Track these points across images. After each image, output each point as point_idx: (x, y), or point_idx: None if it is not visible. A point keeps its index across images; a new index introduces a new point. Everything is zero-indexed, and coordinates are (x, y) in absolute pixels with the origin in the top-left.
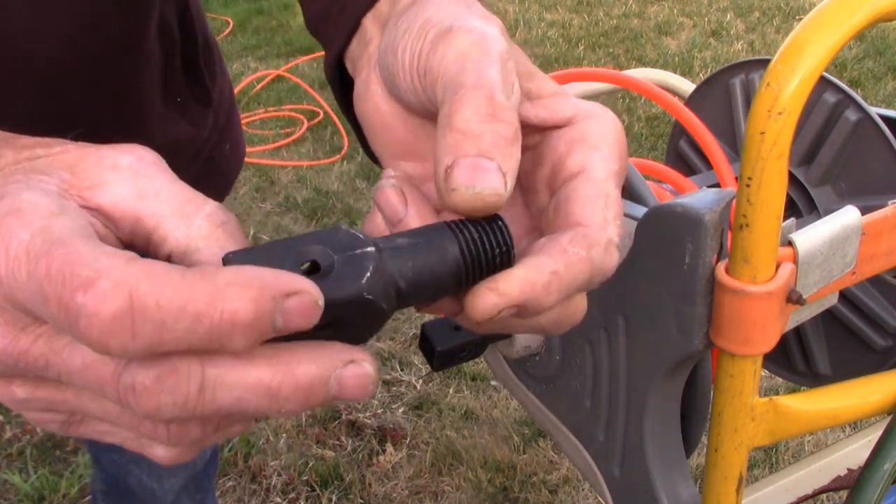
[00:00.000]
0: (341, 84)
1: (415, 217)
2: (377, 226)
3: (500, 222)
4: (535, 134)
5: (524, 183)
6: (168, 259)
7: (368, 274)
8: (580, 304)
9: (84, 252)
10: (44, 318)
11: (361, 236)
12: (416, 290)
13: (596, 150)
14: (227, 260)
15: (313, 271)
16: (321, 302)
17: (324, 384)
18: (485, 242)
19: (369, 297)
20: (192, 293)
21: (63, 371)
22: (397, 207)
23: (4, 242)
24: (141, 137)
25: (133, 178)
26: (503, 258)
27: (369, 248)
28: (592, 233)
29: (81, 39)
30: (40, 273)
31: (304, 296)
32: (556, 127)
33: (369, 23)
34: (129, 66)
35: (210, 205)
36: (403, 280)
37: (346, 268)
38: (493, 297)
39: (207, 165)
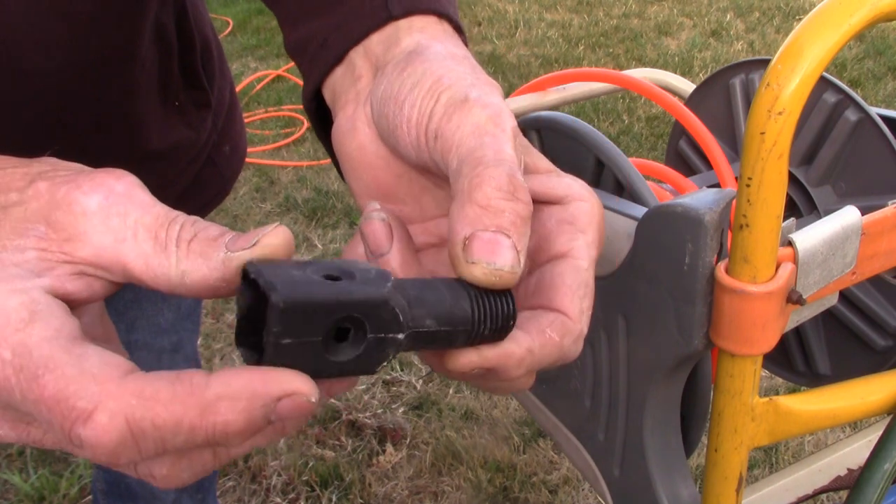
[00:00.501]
0: (318, 109)
1: (397, 255)
2: (357, 255)
3: (509, 297)
4: None
5: None
6: (167, 288)
7: (390, 284)
8: (530, 380)
9: (72, 377)
10: (24, 410)
11: (381, 278)
12: (429, 330)
13: (583, 235)
14: (247, 272)
15: (334, 279)
16: (315, 398)
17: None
18: (494, 310)
19: (391, 304)
20: (185, 410)
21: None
22: (383, 241)
23: None
24: (140, 141)
25: (105, 221)
26: (503, 329)
27: (389, 282)
28: (570, 323)
29: (76, 44)
30: (34, 398)
31: (296, 398)
32: (548, 203)
33: (359, 58)
34: (124, 70)
35: (178, 222)
36: (421, 318)
37: (368, 281)
38: (474, 356)
39: (206, 167)
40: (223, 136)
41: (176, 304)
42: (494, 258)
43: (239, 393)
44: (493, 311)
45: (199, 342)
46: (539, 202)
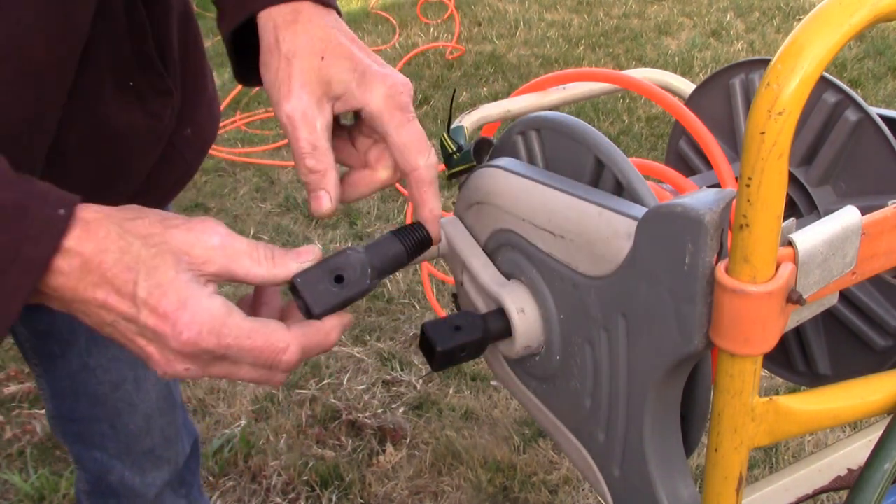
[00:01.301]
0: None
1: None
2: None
3: (421, 227)
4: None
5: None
6: (259, 284)
7: (368, 281)
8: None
9: (269, 332)
10: (237, 361)
11: (360, 251)
12: (386, 269)
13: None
14: (293, 282)
15: (340, 281)
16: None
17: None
18: (415, 237)
19: (370, 287)
20: (317, 339)
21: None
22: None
23: (219, 336)
24: (95, 119)
25: (223, 251)
26: (425, 242)
27: (362, 255)
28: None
29: (21, 25)
30: (248, 349)
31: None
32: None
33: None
34: (69, 50)
35: (260, 247)
36: (381, 266)
37: (359, 275)
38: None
39: (168, 149)
40: (183, 118)
41: None
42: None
43: (331, 330)
44: (415, 237)
45: None
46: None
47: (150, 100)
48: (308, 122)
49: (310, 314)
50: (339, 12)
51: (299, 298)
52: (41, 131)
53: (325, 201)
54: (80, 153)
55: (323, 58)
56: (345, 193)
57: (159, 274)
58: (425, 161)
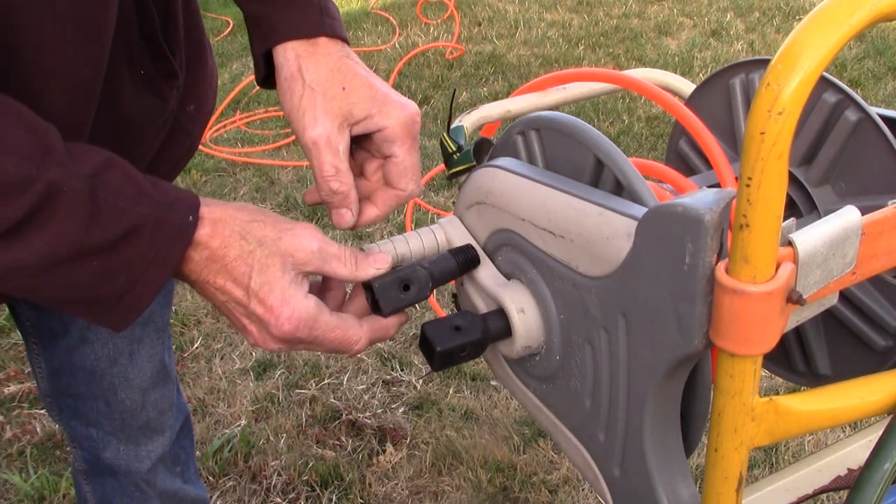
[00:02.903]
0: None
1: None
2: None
3: (471, 248)
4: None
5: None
6: (346, 280)
7: (427, 292)
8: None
9: (346, 327)
10: (319, 345)
11: (426, 266)
12: (441, 281)
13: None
14: (371, 285)
15: (407, 289)
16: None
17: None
18: (466, 256)
19: (427, 296)
20: (385, 335)
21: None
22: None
23: (311, 329)
24: (115, 111)
25: (320, 253)
26: (474, 261)
27: (426, 270)
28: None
29: (64, 13)
30: (329, 339)
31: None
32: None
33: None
34: (101, 38)
35: (346, 251)
36: (438, 279)
37: (422, 286)
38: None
39: (173, 126)
40: (186, 96)
41: None
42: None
43: (392, 325)
44: (467, 259)
45: (199, 341)
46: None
47: (158, 84)
48: (331, 146)
49: (378, 311)
50: (347, 42)
51: (373, 298)
52: (79, 136)
53: (348, 217)
54: (97, 142)
55: (344, 88)
56: (371, 214)
57: (269, 272)
58: (413, 186)
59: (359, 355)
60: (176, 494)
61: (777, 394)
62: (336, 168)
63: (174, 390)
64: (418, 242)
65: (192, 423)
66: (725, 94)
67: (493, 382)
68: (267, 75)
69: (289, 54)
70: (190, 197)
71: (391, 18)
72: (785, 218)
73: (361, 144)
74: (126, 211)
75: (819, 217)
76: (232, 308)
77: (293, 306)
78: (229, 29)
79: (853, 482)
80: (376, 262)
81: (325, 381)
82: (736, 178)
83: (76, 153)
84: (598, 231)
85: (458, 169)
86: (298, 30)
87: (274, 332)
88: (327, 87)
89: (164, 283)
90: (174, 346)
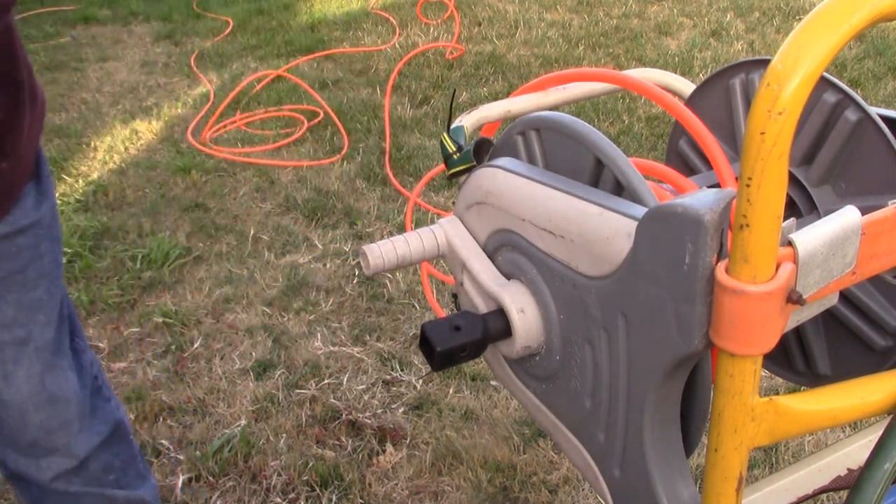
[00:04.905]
0: None
1: None
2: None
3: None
4: None
5: None
6: None
7: (480, 333)
8: None
9: None
10: None
11: (479, 315)
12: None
13: None
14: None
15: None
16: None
17: None
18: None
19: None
20: None
21: None
22: None
23: None
24: None
25: None
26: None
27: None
28: None
29: None
30: None
31: None
32: None
33: None
34: None
35: None
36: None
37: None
38: None
39: None
40: (1, 154)
41: (16, 300)
42: None
43: None
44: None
45: (199, 341)
46: None
47: None
48: None
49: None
50: None
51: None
52: None
53: None
54: None
55: None
56: None
57: None
58: None
59: (359, 355)
60: (112, 499)
61: (777, 394)
62: None
63: (71, 409)
64: (418, 242)
65: (130, 427)
66: (725, 95)
67: (493, 382)
68: None
69: None
70: None
71: (391, 18)
72: (785, 218)
73: None
74: None
75: (819, 217)
76: None
77: None
78: (229, 29)
79: (853, 482)
80: None
81: (325, 381)
82: (736, 178)
83: None
84: (599, 231)
85: (458, 169)
86: None
87: None
88: None
89: None
90: (174, 346)
